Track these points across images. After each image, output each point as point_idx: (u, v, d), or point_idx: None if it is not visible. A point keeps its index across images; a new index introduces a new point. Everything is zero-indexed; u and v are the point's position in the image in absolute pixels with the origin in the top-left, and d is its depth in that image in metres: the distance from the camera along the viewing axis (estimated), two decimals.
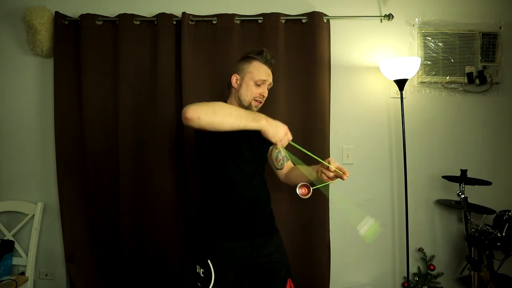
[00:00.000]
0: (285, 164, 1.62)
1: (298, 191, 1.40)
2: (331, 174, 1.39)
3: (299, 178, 1.56)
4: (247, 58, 1.55)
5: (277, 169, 1.65)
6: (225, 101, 1.59)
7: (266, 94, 1.54)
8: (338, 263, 2.14)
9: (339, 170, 1.38)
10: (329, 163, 1.39)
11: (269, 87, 1.57)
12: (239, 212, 1.46)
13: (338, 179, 1.40)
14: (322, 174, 1.42)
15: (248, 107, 1.53)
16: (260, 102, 1.54)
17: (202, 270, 1.43)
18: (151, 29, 2.07)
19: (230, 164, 1.46)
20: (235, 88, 1.55)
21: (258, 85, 1.51)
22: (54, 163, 2.10)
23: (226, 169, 1.46)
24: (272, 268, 1.48)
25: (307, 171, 1.51)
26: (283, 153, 1.65)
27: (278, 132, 1.28)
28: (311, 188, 1.40)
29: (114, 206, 2.07)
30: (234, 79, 1.55)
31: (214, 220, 1.48)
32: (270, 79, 1.55)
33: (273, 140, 1.28)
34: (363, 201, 2.20)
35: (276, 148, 1.58)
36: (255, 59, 1.52)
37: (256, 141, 1.53)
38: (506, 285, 1.95)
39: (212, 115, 1.23)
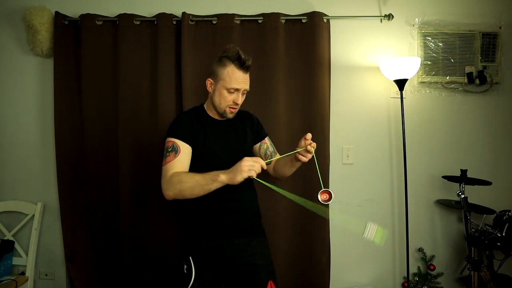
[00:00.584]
0: (273, 159, 1.63)
1: (320, 197, 1.34)
2: (307, 155, 1.37)
3: (283, 166, 1.57)
4: (222, 60, 1.45)
5: (266, 164, 1.65)
6: (203, 104, 1.58)
7: (239, 101, 1.48)
8: (338, 263, 2.14)
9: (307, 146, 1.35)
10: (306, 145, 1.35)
11: (245, 92, 1.50)
12: (219, 211, 1.45)
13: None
14: (300, 156, 1.38)
15: (223, 114, 1.49)
16: (235, 109, 1.49)
17: (185, 266, 1.46)
18: (151, 29, 2.07)
19: (205, 166, 1.43)
20: (210, 93, 1.51)
21: (231, 92, 1.45)
22: (54, 163, 2.10)
23: (203, 171, 1.43)
24: (254, 270, 1.47)
25: (288, 157, 1.49)
26: (271, 149, 1.65)
27: (241, 172, 1.24)
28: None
29: (114, 206, 2.06)
30: (208, 83, 1.50)
31: (195, 219, 1.49)
32: (244, 86, 1.46)
33: (240, 179, 1.25)
34: (363, 201, 2.20)
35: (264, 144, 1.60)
36: (231, 63, 1.43)
37: (234, 141, 1.52)
38: (506, 285, 1.95)
39: (181, 195, 1.35)
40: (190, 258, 1.45)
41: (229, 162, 1.47)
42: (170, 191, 1.34)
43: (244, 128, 1.60)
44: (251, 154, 1.63)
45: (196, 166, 1.44)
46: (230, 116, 1.50)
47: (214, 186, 1.29)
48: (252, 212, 1.56)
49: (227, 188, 1.45)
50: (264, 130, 1.69)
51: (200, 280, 1.42)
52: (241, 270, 1.48)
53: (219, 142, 1.49)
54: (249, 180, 1.58)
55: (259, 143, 1.65)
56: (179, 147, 1.40)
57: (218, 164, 1.45)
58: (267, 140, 1.68)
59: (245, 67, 1.44)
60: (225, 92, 1.44)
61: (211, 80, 1.50)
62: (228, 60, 1.43)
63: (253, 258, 1.48)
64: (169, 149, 1.40)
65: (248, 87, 1.50)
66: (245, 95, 1.52)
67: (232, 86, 1.43)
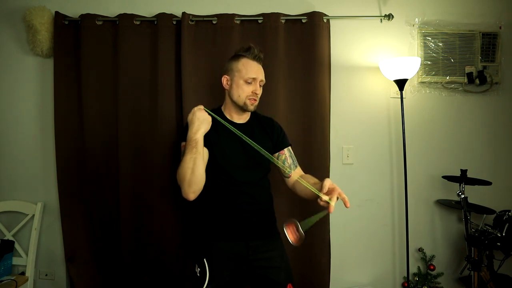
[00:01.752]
0: (292, 172, 1.57)
1: (288, 237, 1.20)
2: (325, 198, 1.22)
3: (303, 193, 1.47)
4: (235, 56, 1.52)
5: (285, 176, 1.60)
6: (220, 106, 1.59)
7: (259, 92, 1.50)
8: (338, 263, 2.14)
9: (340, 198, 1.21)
10: (323, 189, 1.22)
11: (262, 83, 1.52)
12: (234, 213, 1.44)
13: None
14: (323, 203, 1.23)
15: (243, 107, 1.49)
16: (255, 100, 1.50)
17: (199, 269, 1.44)
18: (151, 29, 2.07)
19: (219, 170, 1.43)
20: (227, 90, 1.53)
21: (249, 83, 1.47)
22: (54, 163, 2.10)
23: (218, 174, 1.44)
24: (272, 273, 1.46)
25: (311, 190, 1.31)
26: (289, 161, 1.58)
27: (194, 120, 1.36)
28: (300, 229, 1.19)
29: (114, 206, 2.06)
30: (225, 80, 1.52)
31: (210, 221, 1.48)
32: (260, 76, 1.50)
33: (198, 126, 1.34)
34: (363, 201, 2.20)
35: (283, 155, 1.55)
36: (243, 56, 1.49)
37: (248, 146, 1.46)
38: (506, 285, 1.95)
39: (195, 186, 1.35)
40: (205, 260, 1.42)
41: (243, 166, 1.46)
42: (189, 192, 1.35)
43: (262, 133, 1.57)
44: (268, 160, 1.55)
45: (211, 169, 1.43)
46: (252, 108, 1.50)
47: (193, 148, 1.33)
48: (268, 215, 1.54)
49: (242, 189, 1.44)
50: (285, 140, 1.62)
51: (214, 282, 1.40)
52: (259, 273, 1.46)
53: (233, 145, 1.47)
54: (265, 182, 1.56)
55: (277, 153, 1.58)
56: None
57: (232, 168, 1.44)
58: (286, 151, 1.59)
59: (257, 57, 1.49)
60: (242, 84, 1.47)
61: (227, 77, 1.52)
62: (241, 53, 1.50)
63: (270, 260, 1.47)
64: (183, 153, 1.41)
65: (264, 79, 1.53)
66: (261, 88, 1.53)
67: (249, 76, 1.46)
